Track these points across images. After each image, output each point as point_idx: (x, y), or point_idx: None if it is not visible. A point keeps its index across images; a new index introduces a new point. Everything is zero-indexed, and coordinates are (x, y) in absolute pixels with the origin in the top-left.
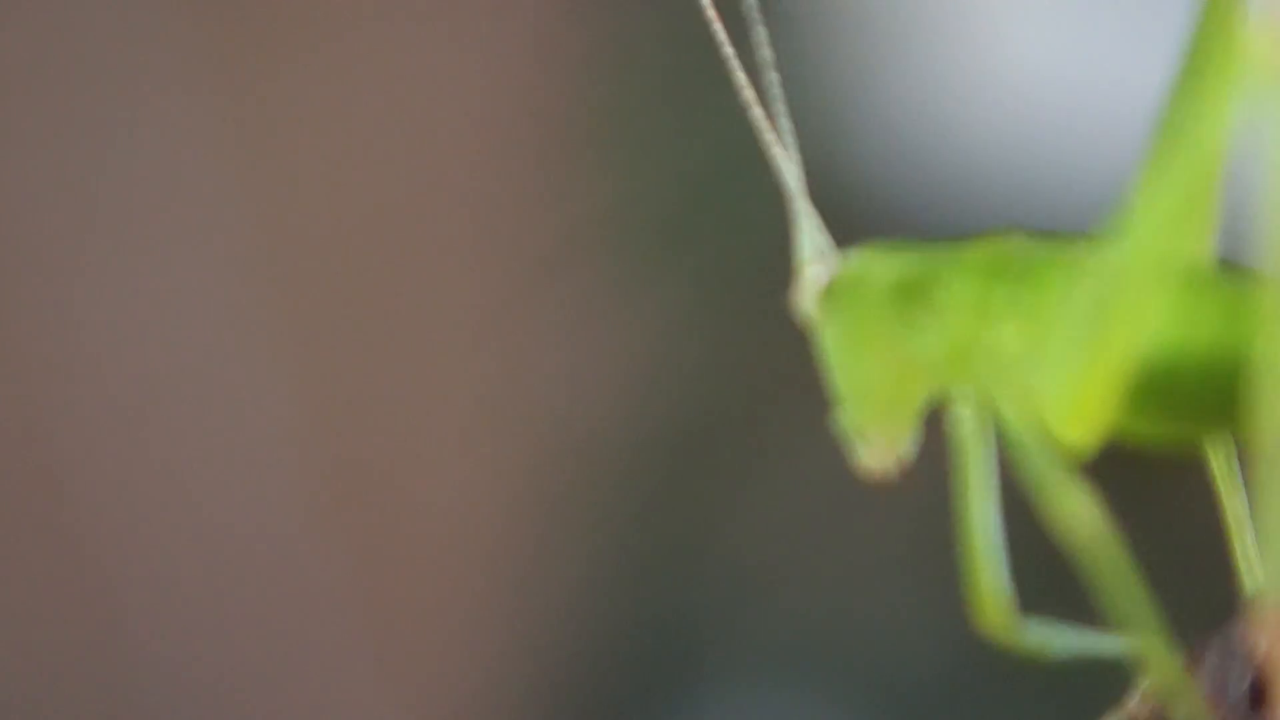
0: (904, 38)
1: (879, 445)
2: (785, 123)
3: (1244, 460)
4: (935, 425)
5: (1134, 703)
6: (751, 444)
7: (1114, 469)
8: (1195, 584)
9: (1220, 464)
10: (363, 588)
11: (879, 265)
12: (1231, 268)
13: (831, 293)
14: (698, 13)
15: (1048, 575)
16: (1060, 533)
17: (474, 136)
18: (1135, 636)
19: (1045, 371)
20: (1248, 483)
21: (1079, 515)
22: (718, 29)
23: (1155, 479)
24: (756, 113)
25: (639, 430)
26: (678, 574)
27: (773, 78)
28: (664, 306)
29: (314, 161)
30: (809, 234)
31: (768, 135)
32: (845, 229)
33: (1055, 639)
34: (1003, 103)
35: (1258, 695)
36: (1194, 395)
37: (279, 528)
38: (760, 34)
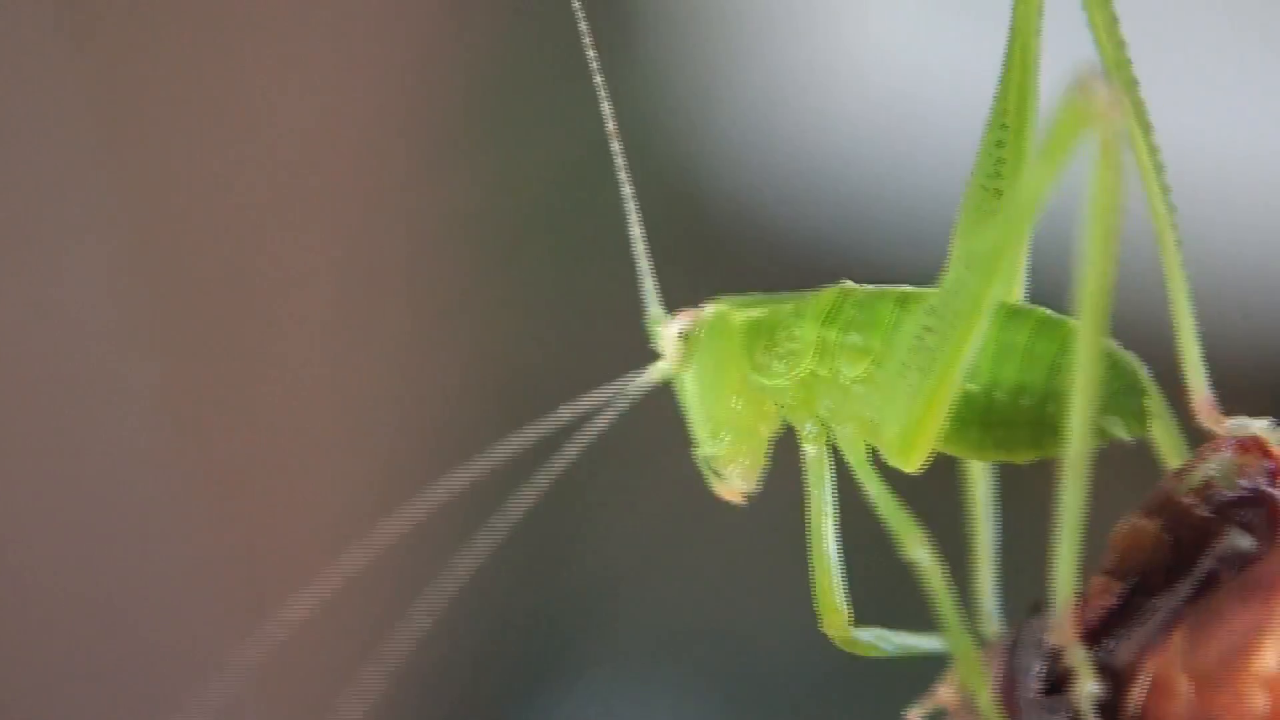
0: (761, 32)
1: (734, 476)
2: (628, 183)
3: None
4: (789, 437)
5: (942, 688)
6: (618, 438)
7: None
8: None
9: (976, 493)
10: (231, 582)
11: (731, 315)
12: (1037, 309)
13: (688, 342)
14: (564, 15)
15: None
16: (897, 546)
17: (340, 138)
18: (948, 634)
19: (877, 403)
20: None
21: (908, 538)
22: (588, 46)
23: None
24: (615, 148)
25: (508, 420)
26: (545, 570)
27: (610, 128)
28: (529, 301)
29: (185, 162)
30: (653, 291)
31: (622, 178)
32: (708, 225)
33: (882, 641)
34: (861, 94)
35: (1051, 682)
36: (1010, 419)
37: (149, 518)
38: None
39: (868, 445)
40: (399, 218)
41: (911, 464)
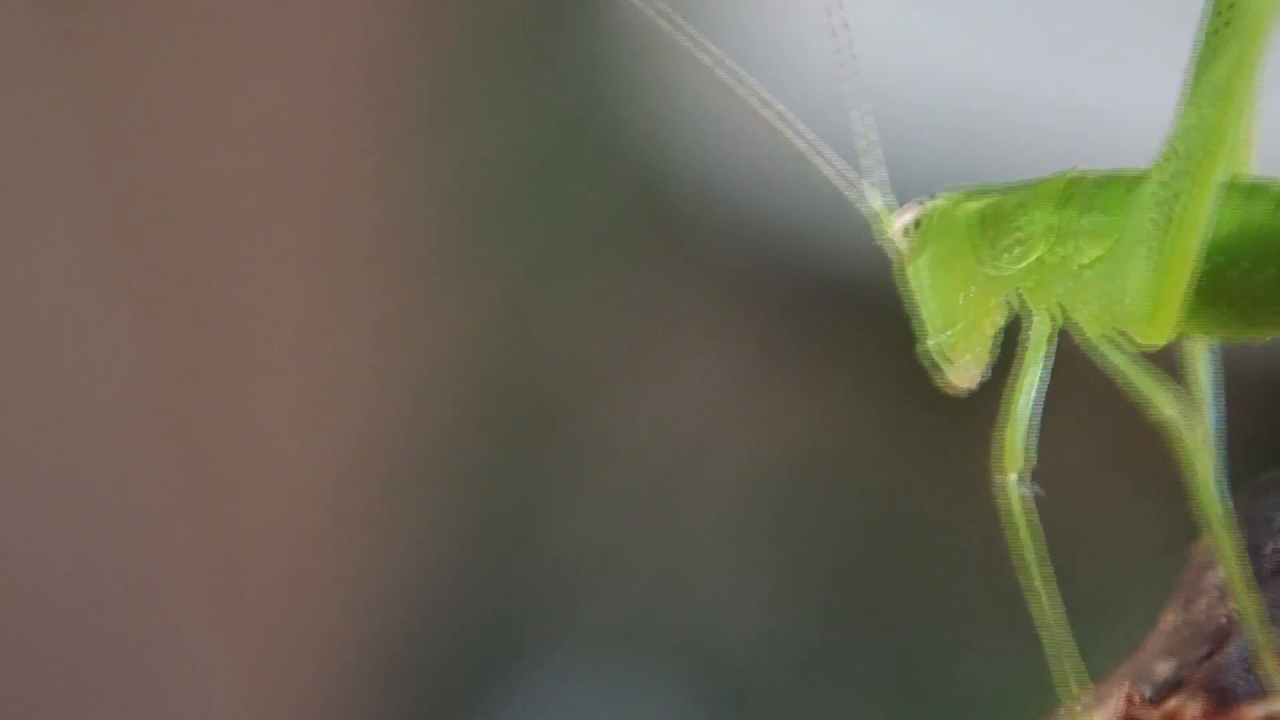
0: (726, 15)
1: (963, 365)
2: (848, 87)
3: None
4: (782, 430)
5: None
6: (578, 429)
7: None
8: None
9: (1197, 373)
10: (203, 569)
11: (961, 204)
12: (1275, 183)
13: (920, 230)
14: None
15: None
16: (1145, 413)
17: (310, 125)
18: (1202, 498)
19: (1118, 280)
20: None
21: (1158, 399)
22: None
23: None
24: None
25: (469, 414)
26: (508, 557)
27: (844, 40)
28: (493, 288)
29: (157, 149)
30: (883, 181)
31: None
32: (674, 212)
33: (1028, 522)
34: (830, 77)
35: None
36: (1252, 293)
37: (125, 501)
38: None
39: (1106, 323)
40: (371, 204)
41: (1159, 337)
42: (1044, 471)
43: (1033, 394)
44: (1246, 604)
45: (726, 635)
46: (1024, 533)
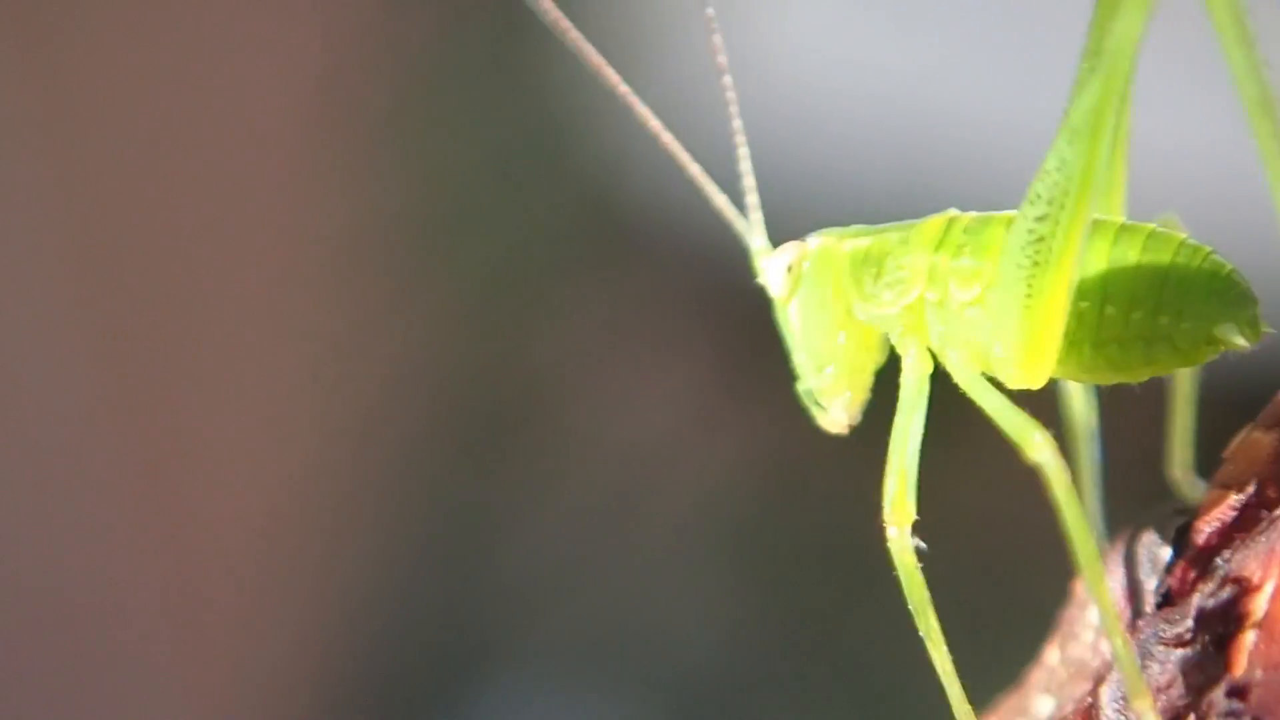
0: (672, 30)
1: (837, 409)
2: (738, 122)
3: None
4: (737, 445)
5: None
6: (534, 445)
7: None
8: None
9: (1181, 380)
10: (159, 576)
11: (839, 244)
12: (1145, 225)
13: (795, 272)
14: (492, 14)
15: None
16: (1022, 456)
17: (271, 134)
18: (1076, 540)
19: (992, 322)
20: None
21: (1028, 441)
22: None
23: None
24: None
25: (425, 429)
26: (466, 564)
27: (726, 80)
28: (450, 304)
29: (117, 155)
30: (759, 223)
31: (735, 128)
32: (620, 225)
33: (914, 570)
34: (774, 91)
35: (1164, 595)
36: (1121, 335)
37: (84, 510)
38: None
39: (978, 365)
40: (327, 221)
41: (1034, 380)
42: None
43: (915, 441)
44: (1119, 643)
45: (683, 649)
46: (915, 583)
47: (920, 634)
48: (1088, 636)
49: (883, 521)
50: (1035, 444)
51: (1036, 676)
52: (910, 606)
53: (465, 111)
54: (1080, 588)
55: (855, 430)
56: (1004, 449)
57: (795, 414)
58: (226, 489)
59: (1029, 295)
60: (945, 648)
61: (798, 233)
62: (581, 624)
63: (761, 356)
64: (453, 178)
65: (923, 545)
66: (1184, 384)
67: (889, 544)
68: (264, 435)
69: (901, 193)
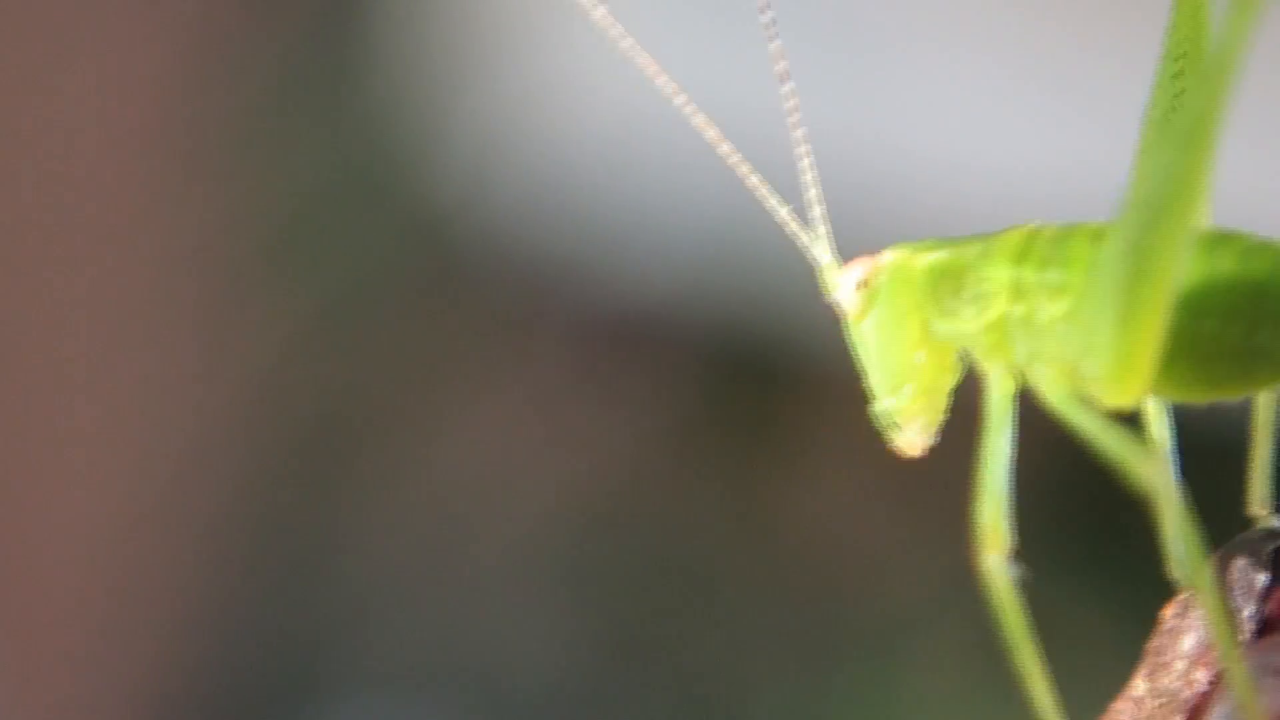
0: (496, 51)
1: (913, 430)
2: (800, 132)
3: None
4: (569, 465)
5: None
6: (365, 459)
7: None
8: None
9: (1261, 409)
10: None
11: (914, 258)
12: (1240, 233)
13: (869, 288)
14: (324, 28)
15: None
16: (1126, 477)
17: (108, 146)
18: (1191, 563)
19: (1083, 338)
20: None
21: (1136, 461)
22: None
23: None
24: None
25: (257, 453)
26: (300, 585)
27: (787, 89)
28: (280, 328)
29: None
30: (826, 237)
31: (798, 146)
32: (449, 250)
33: (1014, 601)
34: (601, 111)
35: (1261, 623)
36: (1219, 350)
37: None
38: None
39: (1069, 385)
40: (153, 246)
41: (1129, 397)
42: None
43: (1004, 464)
44: (1238, 671)
45: (517, 670)
46: (1013, 616)
47: (1017, 670)
48: (1179, 666)
49: (975, 550)
50: (1146, 466)
51: (1122, 708)
52: (1008, 640)
53: (290, 142)
54: (1169, 614)
55: (678, 453)
56: (847, 468)
57: (626, 434)
58: (55, 499)
59: (1127, 309)
60: (1046, 686)
61: (629, 247)
62: (414, 648)
63: (591, 378)
64: (279, 207)
65: (1028, 573)
66: (1265, 411)
67: (984, 573)
68: (93, 459)
69: (730, 209)
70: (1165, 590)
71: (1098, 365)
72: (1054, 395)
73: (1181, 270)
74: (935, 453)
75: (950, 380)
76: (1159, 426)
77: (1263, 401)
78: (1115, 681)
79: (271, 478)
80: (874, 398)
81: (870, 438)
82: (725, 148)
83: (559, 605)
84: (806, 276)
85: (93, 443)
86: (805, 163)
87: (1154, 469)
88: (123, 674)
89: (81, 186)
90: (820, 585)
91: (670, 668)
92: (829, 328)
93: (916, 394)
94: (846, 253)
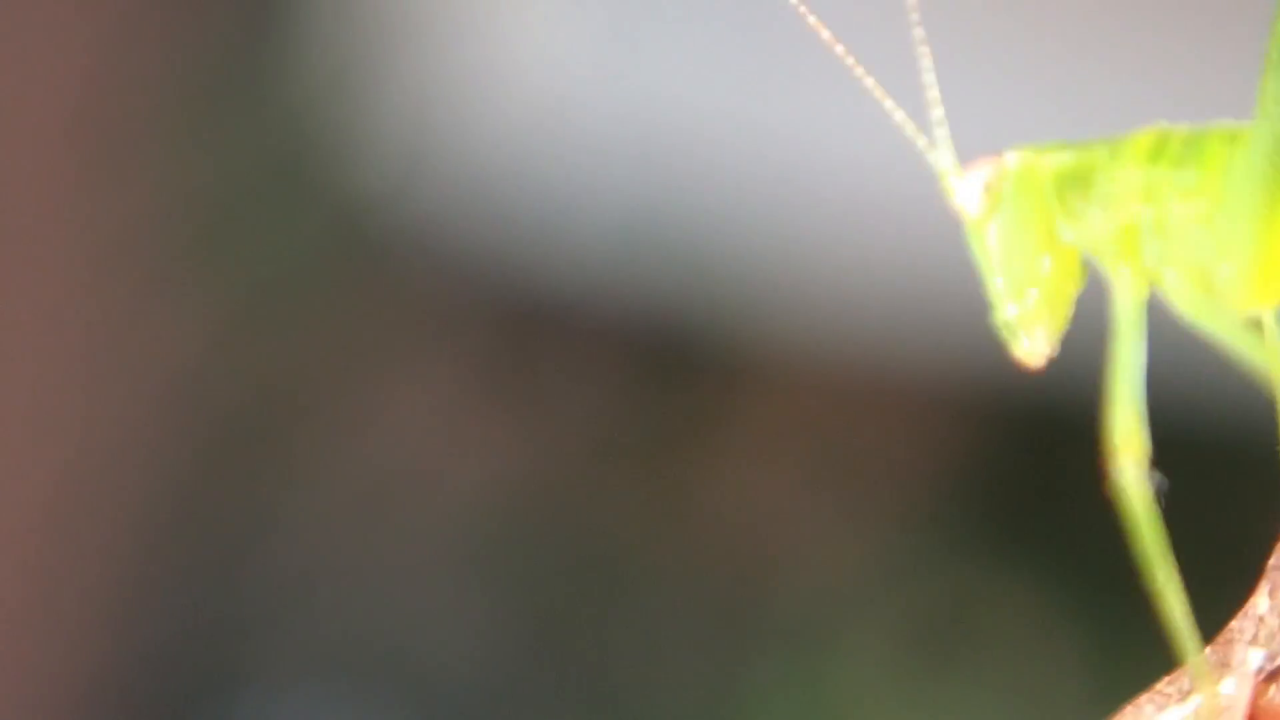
0: (417, 43)
1: (1038, 338)
2: (919, 32)
3: None
4: (490, 458)
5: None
6: (288, 451)
7: None
8: None
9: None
10: None
11: (1038, 163)
12: None
13: (994, 191)
14: (247, 21)
15: None
16: (1257, 378)
17: (32, 140)
18: None
19: (1219, 241)
20: None
21: (1272, 366)
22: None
23: None
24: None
25: (177, 443)
26: (225, 577)
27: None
28: (199, 319)
29: None
30: (946, 140)
31: (918, 46)
32: (370, 245)
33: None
34: (524, 103)
35: None
36: None
37: None
38: None
39: (1204, 288)
40: (74, 237)
41: (1268, 300)
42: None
43: (1139, 370)
44: None
45: (436, 663)
46: (1146, 526)
47: (1153, 587)
48: None
49: (1107, 458)
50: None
51: (1242, 627)
52: (1142, 556)
53: (209, 132)
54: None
55: (601, 445)
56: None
57: (548, 428)
58: None
59: (1268, 208)
60: (1182, 603)
61: (551, 239)
62: (338, 639)
63: (513, 372)
64: (198, 198)
65: (1164, 482)
66: None
67: (1119, 481)
68: (18, 438)
69: (652, 201)
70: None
71: (1235, 267)
72: (1186, 300)
73: None
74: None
75: (1075, 287)
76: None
77: None
78: (1230, 603)
79: (196, 470)
80: (995, 306)
81: (790, 428)
82: (840, 49)
83: (482, 596)
84: (729, 265)
85: (16, 434)
86: (925, 64)
87: None
88: (47, 667)
89: (3, 180)
90: (740, 576)
91: (591, 659)
92: (751, 318)
93: (1042, 300)
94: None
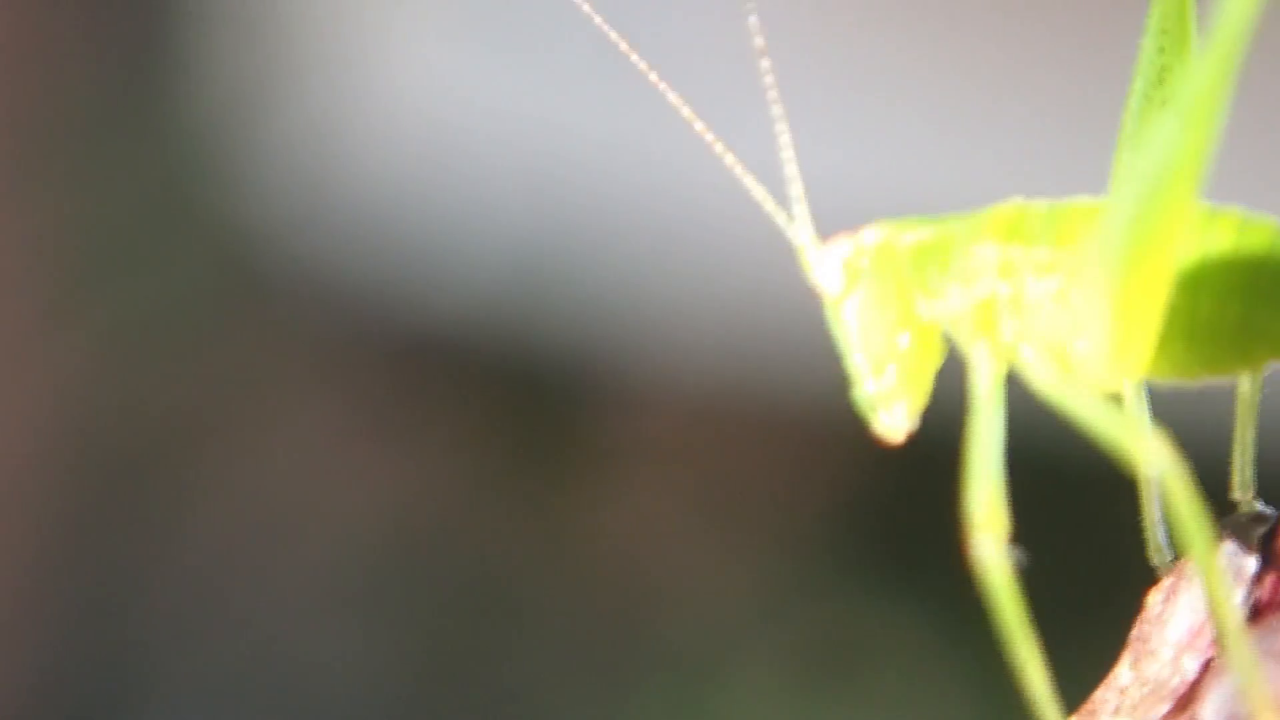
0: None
1: (897, 414)
2: (779, 109)
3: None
4: (376, 487)
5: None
6: (177, 482)
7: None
8: None
9: (1245, 390)
10: None
11: (895, 238)
12: (1232, 209)
13: (851, 268)
14: (139, 52)
15: None
16: (1124, 460)
17: None
18: (1197, 544)
19: (1075, 319)
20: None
21: (1138, 442)
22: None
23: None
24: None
25: (63, 473)
26: (112, 603)
27: (765, 64)
28: (85, 349)
29: None
30: (805, 217)
31: (777, 124)
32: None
33: (1007, 584)
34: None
35: (1253, 608)
36: (1216, 329)
37: None
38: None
39: (1061, 364)
40: None
41: (1123, 377)
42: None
43: (998, 446)
44: (1243, 655)
45: (324, 690)
46: (1006, 603)
47: (1015, 662)
48: (1167, 653)
49: (968, 535)
50: (1149, 449)
51: (1105, 698)
52: (1004, 630)
53: (96, 163)
54: (1154, 600)
55: (488, 476)
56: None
57: (433, 456)
58: None
59: (1125, 286)
60: (1044, 677)
61: (439, 272)
62: (218, 667)
63: (399, 404)
64: (85, 228)
65: (1023, 557)
66: (1249, 394)
67: (979, 558)
68: None
69: (540, 235)
70: (1131, 577)
71: (1092, 344)
72: (1043, 376)
73: (1182, 234)
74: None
75: (935, 362)
76: (1140, 408)
77: (1246, 384)
78: (1091, 671)
79: (83, 497)
80: (855, 381)
81: (677, 458)
82: (700, 126)
83: (370, 623)
84: (617, 297)
85: None
86: (784, 140)
87: (1156, 448)
88: None
89: None
90: (627, 605)
91: (477, 684)
92: (637, 350)
93: (901, 376)
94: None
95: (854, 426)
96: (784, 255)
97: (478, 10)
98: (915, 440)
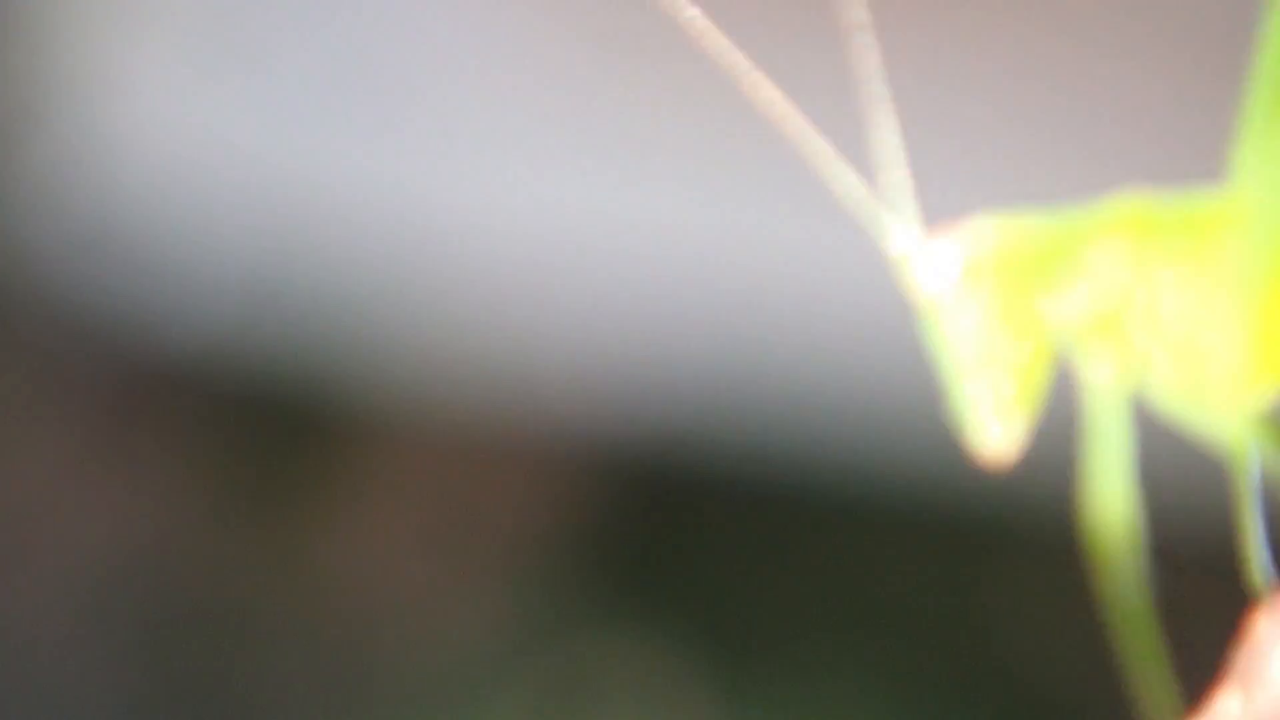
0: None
1: (1007, 428)
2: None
3: None
4: (106, 516)
5: None
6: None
7: None
8: None
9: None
10: None
11: (1014, 234)
12: None
13: (973, 266)
14: None
15: None
16: (1232, 471)
17: None
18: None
19: (1205, 328)
20: None
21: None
22: None
23: None
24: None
25: None
26: None
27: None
28: None
29: None
30: (910, 210)
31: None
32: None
33: None
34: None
35: None
36: None
37: None
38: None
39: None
40: None
41: (1262, 391)
42: None
43: (1127, 472)
44: None
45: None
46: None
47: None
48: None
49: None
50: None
51: None
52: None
53: None
54: (1263, 625)
55: (221, 505)
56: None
57: (165, 485)
58: None
59: (1272, 292)
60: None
61: (171, 300)
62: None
63: (131, 432)
64: None
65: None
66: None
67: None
68: None
69: (272, 264)
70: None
71: (1220, 356)
72: (1171, 392)
73: None
74: (475, 501)
75: (1047, 373)
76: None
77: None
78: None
79: None
80: (961, 396)
81: (409, 487)
82: (781, 110)
83: (104, 655)
84: (349, 325)
85: None
86: (889, 129)
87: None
88: None
89: None
90: (358, 637)
91: (216, 712)
92: (370, 378)
93: (1018, 388)
94: None
95: (590, 454)
96: (522, 286)
97: (225, 41)
98: (655, 470)
